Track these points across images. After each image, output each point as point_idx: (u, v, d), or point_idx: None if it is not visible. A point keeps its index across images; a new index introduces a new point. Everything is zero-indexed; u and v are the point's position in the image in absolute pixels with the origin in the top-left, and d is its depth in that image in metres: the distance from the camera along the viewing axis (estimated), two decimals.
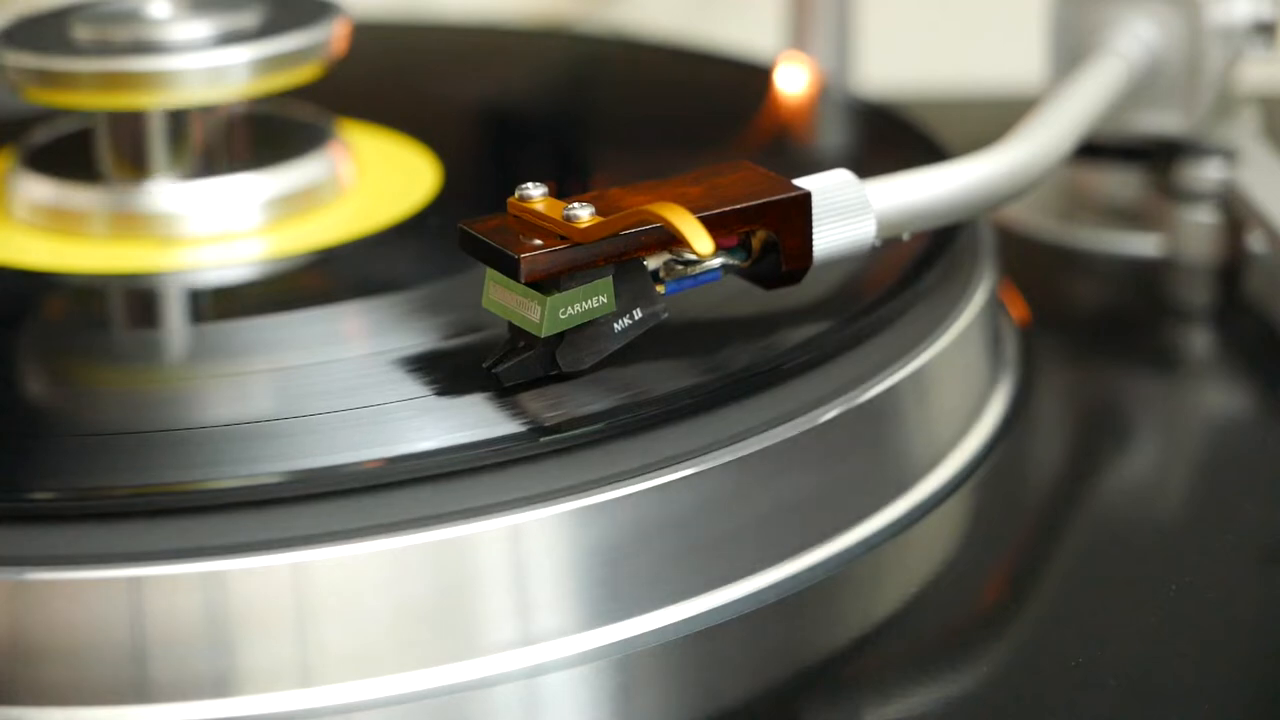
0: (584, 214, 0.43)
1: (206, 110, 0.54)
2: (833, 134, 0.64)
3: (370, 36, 0.62)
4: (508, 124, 0.64)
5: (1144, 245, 0.62)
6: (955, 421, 0.51)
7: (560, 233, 0.43)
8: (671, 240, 0.43)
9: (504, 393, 0.44)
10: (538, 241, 0.43)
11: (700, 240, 0.41)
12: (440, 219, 0.54)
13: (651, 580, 0.43)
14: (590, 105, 0.66)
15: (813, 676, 0.44)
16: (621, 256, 0.43)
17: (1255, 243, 0.60)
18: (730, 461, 0.44)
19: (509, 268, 0.43)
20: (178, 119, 0.54)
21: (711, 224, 0.43)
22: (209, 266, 0.52)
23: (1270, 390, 0.55)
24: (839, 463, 0.46)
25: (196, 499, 0.41)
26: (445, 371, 0.45)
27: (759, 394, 0.45)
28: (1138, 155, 0.63)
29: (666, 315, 0.44)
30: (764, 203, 0.44)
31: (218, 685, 0.41)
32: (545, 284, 0.43)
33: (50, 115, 0.58)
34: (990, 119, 0.60)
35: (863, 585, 0.46)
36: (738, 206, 0.44)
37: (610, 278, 0.43)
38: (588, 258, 0.43)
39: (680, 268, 0.44)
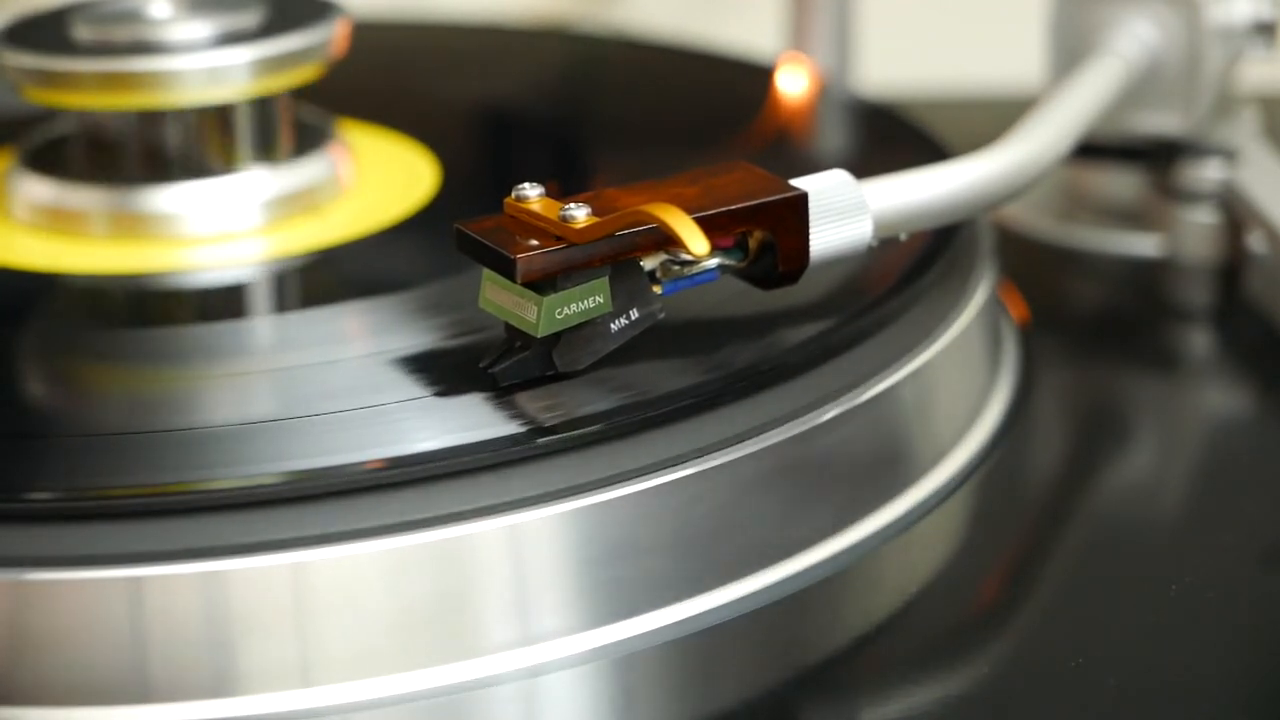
0: (580, 214, 0.43)
1: (205, 110, 0.54)
2: (832, 134, 0.64)
3: (370, 36, 0.62)
4: (508, 124, 0.63)
5: (1144, 245, 0.62)
6: (955, 421, 0.51)
7: (556, 233, 0.43)
8: (667, 241, 0.43)
9: (503, 393, 0.44)
10: (534, 242, 0.43)
11: (695, 241, 0.41)
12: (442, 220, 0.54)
13: (651, 580, 0.43)
14: (590, 105, 0.66)
15: (813, 676, 0.44)
16: (617, 257, 0.43)
17: (1255, 243, 0.60)
18: (730, 461, 0.44)
19: (505, 268, 0.43)
20: (178, 119, 0.54)
21: (707, 224, 0.43)
22: (209, 267, 0.52)
23: (1270, 390, 0.55)
24: (839, 462, 0.46)
25: (196, 499, 0.41)
26: (445, 371, 0.45)
27: (759, 394, 0.45)
28: (1137, 155, 0.63)
29: (663, 315, 0.44)
30: (760, 203, 0.44)
31: (218, 685, 0.41)
32: (541, 284, 0.43)
33: (50, 115, 0.58)
34: (990, 119, 0.60)
35: (863, 585, 0.46)
36: (734, 207, 0.44)
37: (606, 278, 0.43)
38: (584, 258, 0.43)
39: (677, 268, 0.44)
